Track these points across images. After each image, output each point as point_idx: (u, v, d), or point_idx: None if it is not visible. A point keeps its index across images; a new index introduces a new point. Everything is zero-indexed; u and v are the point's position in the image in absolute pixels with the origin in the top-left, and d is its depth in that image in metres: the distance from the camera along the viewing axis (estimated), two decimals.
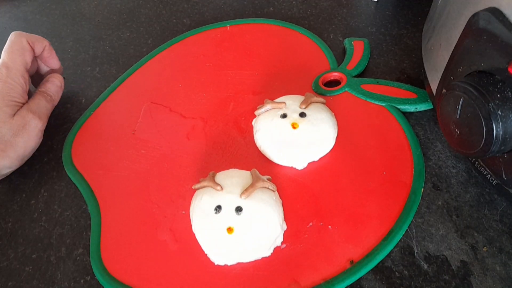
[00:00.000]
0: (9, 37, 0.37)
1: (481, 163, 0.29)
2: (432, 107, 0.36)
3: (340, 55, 0.44)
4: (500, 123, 0.23)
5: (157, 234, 0.31)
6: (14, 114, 0.34)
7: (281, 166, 0.34)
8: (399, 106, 0.37)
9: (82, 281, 0.30)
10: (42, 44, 0.39)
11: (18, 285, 0.30)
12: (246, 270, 0.29)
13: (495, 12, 0.23)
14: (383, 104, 0.37)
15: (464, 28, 0.26)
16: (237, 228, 0.28)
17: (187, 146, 0.37)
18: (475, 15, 0.25)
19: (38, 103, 0.36)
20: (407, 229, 0.30)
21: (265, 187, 0.31)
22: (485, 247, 0.29)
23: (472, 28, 0.25)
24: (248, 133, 0.37)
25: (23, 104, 0.36)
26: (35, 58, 0.39)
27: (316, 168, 0.34)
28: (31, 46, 0.37)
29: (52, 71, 0.42)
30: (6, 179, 0.36)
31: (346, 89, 0.39)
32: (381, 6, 0.49)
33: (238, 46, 0.46)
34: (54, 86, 0.39)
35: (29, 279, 0.31)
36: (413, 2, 0.49)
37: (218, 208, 0.29)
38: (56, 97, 0.39)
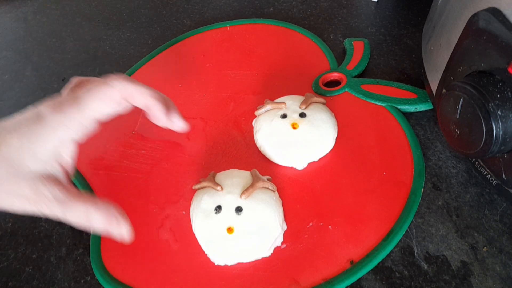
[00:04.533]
0: (104, 82, 0.26)
1: (481, 163, 0.29)
2: (432, 107, 0.36)
3: (340, 55, 0.44)
4: (500, 123, 0.23)
5: (157, 234, 0.31)
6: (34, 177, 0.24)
7: (281, 166, 0.34)
8: (399, 106, 0.37)
9: (82, 281, 0.30)
10: (144, 100, 0.28)
11: (18, 285, 0.30)
12: (246, 270, 0.29)
13: (495, 12, 0.23)
14: (383, 104, 0.37)
15: (464, 28, 0.26)
16: (237, 228, 0.28)
17: (187, 146, 0.37)
18: (475, 15, 0.25)
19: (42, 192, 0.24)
20: (407, 229, 0.30)
21: (265, 187, 0.31)
22: (485, 247, 0.29)
23: (472, 28, 0.25)
24: (248, 133, 0.37)
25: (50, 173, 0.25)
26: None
27: (316, 168, 0.34)
28: (126, 100, 0.28)
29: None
30: None
31: (346, 89, 0.39)
32: (381, 6, 0.49)
33: (238, 46, 0.46)
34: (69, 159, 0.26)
35: (29, 279, 0.31)
36: (413, 2, 0.49)
37: (218, 208, 0.29)
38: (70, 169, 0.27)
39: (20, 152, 0.24)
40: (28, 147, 0.24)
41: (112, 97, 0.26)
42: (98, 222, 0.25)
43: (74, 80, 0.29)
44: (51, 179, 0.25)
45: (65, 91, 0.29)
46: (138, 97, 0.27)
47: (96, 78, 0.30)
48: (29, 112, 0.25)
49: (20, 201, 0.24)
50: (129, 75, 0.44)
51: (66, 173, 0.26)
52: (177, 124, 0.31)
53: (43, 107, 0.25)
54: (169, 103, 0.30)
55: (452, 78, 0.28)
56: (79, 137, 0.26)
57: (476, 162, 0.30)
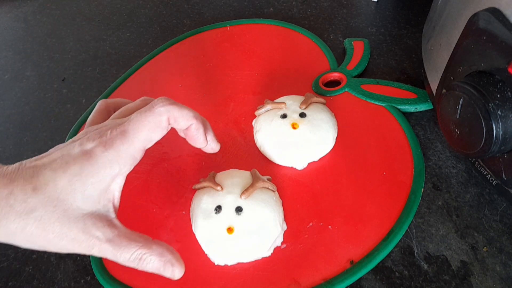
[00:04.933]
0: (149, 110, 0.25)
1: (481, 163, 0.29)
2: (432, 107, 0.36)
3: (340, 55, 0.44)
4: (500, 123, 0.23)
5: (158, 234, 0.31)
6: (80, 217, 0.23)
7: (281, 166, 0.34)
8: (399, 106, 0.37)
9: (82, 281, 0.30)
10: (187, 123, 0.27)
11: (18, 285, 0.30)
12: (246, 270, 0.29)
13: (495, 12, 0.23)
14: (383, 104, 0.37)
15: (464, 28, 0.26)
16: (237, 228, 0.28)
17: (187, 146, 0.37)
18: (475, 15, 0.25)
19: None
20: (407, 229, 0.30)
21: (265, 187, 0.31)
22: (485, 247, 0.29)
23: (472, 28, 0.25)
24: (248, 133, 0.37)
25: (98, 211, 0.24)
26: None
27: (316, 168, 0.34)
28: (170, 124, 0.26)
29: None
30: None
31: (346, 90, 0.39)
32: (381, 6, 0.49)
33: (238, 47, 0.46)
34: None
35: (30, 279, 0.31)
36: (413, 2, 0.49)
37: (218, 208, 0.29)
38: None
39: (70, 193, 0.22)
40: (79, 188, 0.23)
41: (160, 125, 0.25)
42: (151, 267, 0.24)
43: (101, 104, 0.29)
44: (102, 218, 0.24)
45: (94, 116, 0.28)
46: (181, 120, 0.26)
47: (125, 101, 0.29)
48: (72, 148, 0.24)
49: (70, 243, 0.23)
50: (129, 75, 0.44)
51: (114, 207, 0.25)
52: (210, 145, 0.29)
53: (90, 144, 0.23)
54: (206, 124, 0.29)
55: (452, 78, 0.28)
56: (130, 169, 0.25)
57: (476, 162, 0.30)
